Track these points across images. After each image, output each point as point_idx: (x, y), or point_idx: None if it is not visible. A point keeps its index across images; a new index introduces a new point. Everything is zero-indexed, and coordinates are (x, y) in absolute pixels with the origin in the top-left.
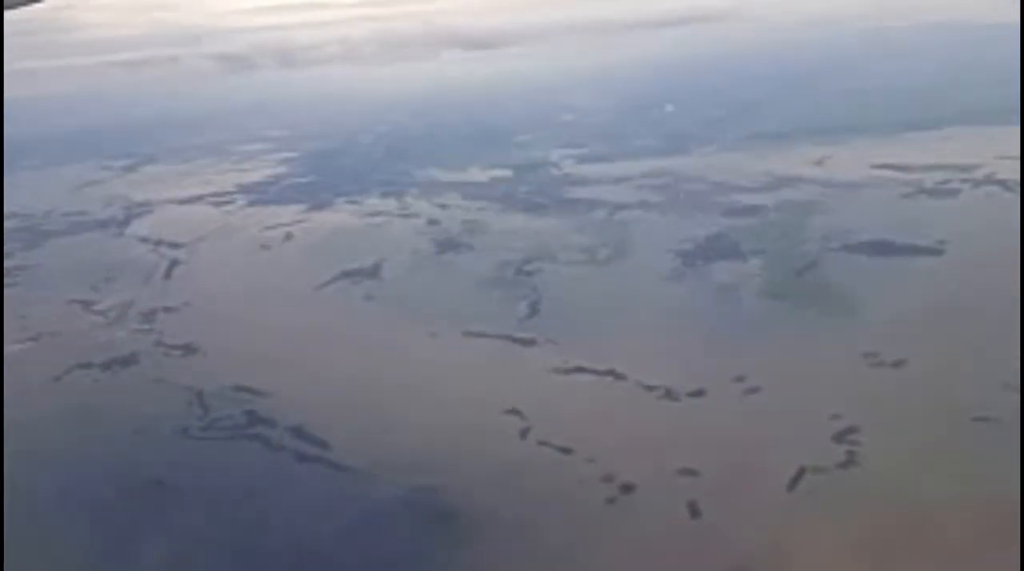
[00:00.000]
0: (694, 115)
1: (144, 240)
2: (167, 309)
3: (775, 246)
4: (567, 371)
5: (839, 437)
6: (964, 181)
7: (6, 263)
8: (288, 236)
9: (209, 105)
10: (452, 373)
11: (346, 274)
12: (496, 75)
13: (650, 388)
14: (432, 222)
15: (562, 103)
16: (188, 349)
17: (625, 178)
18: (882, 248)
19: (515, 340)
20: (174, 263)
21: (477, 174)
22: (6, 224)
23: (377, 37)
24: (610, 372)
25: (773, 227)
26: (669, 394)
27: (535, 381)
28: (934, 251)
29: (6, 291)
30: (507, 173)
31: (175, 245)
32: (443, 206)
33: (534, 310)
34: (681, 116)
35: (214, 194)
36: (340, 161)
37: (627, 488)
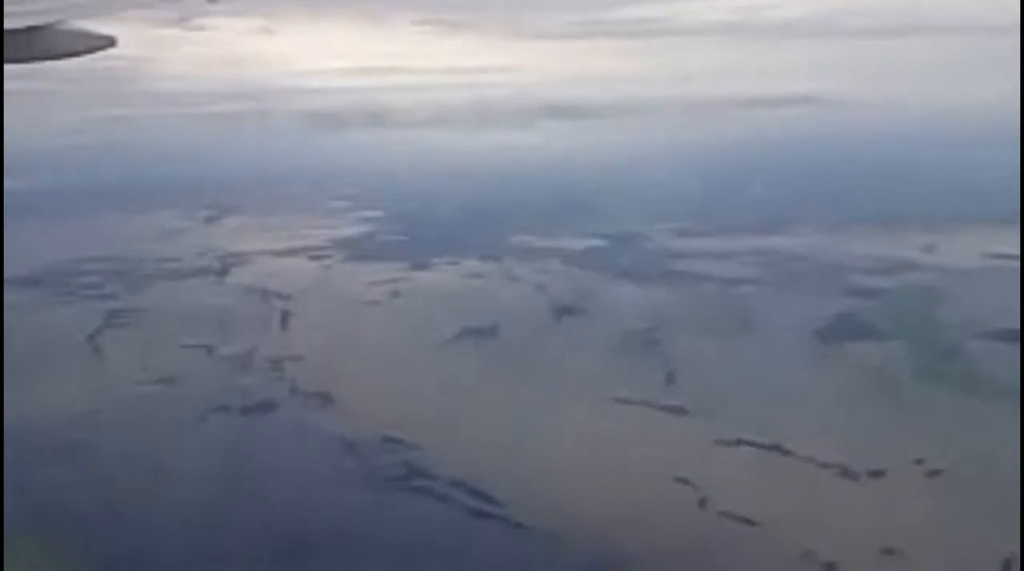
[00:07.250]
0: (785, 196)
1: (249, 290)
2: (293, 358)
3: (912, 330)
4: (729, 443)
5: None
6: None
7: (113, 304)
8: (395, 293)
9: (293, 161)
10: (611, 439)
11: (466, 333)
12: (584, 146)
13: (824, 465)
14: (539, 287)
15: (649, 177)
16: (325, 398)
17: (727, 254)
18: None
19: (665, 408)
20: (286, 314)
21: (572, 242)
22: (103, 266)
23: (468, 103)
24: (775, 447)
25: (903, 310)
26: (846, 473)
27: (700, 452)
28: None
29: (123, 332)
30: (602, 242)
31: (282, 296)
32: (545, 272)
33: (671, 379)
34: (772, 196)
35: (309, 247)
36: (429, 222)
37: (830, 567)
